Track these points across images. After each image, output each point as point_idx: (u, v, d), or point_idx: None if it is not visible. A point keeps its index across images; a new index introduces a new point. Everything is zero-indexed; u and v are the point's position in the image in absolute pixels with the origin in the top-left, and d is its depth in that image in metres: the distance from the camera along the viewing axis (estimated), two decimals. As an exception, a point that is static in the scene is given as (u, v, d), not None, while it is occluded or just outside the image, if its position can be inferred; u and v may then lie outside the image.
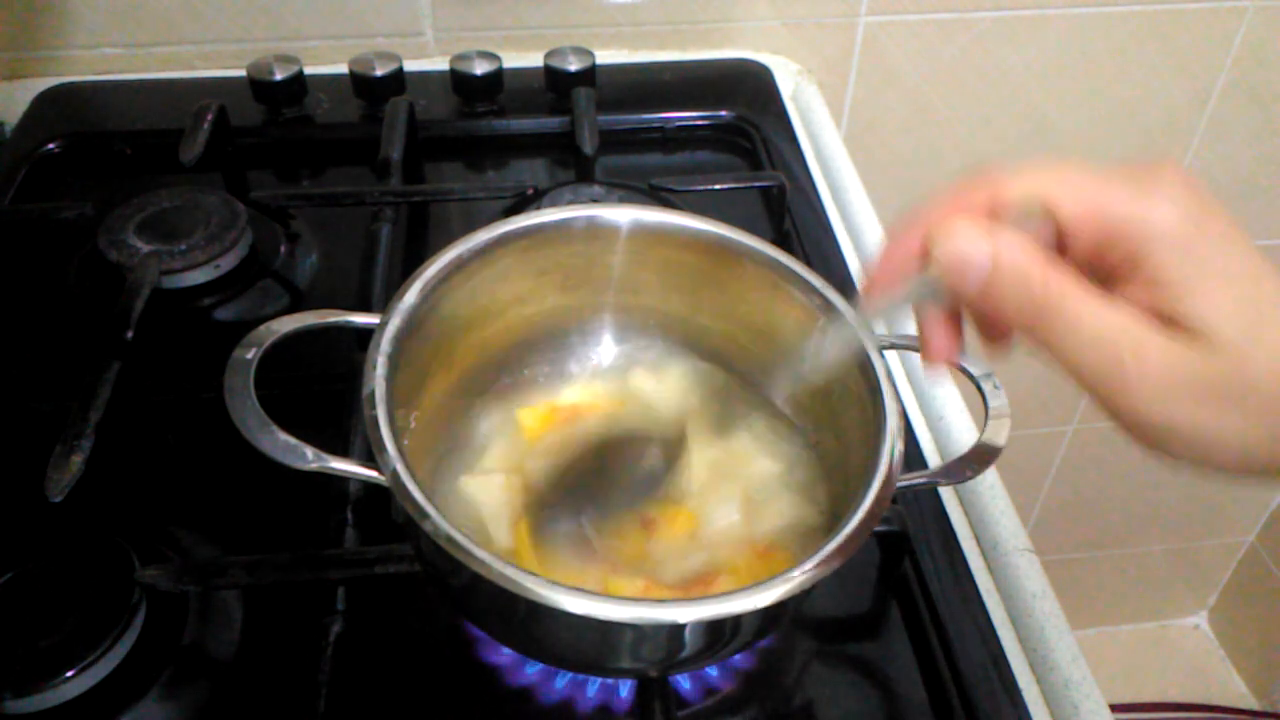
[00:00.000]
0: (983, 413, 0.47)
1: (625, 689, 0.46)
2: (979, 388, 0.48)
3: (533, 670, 0.47)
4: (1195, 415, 0.30)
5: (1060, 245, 0.33)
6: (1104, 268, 0.32)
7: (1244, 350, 0.30)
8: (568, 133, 0.77)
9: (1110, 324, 0.31)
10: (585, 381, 0.54)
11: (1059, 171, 0.32)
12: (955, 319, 0.36)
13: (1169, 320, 0.31)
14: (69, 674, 0.43)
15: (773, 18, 0.91)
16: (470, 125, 0.81)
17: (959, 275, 0.32)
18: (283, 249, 0.69)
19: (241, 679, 0.47)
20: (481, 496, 0.48)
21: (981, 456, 0.45)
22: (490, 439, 0.51)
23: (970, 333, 0.36)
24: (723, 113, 0.83)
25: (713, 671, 0.48)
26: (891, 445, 0.42)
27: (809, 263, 0.52)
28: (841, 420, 0.48)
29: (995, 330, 0.35)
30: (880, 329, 0.43)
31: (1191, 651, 1.62)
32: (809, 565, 0.38)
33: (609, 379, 0.54)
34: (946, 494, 0.58)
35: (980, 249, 0.31)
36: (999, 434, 0.46)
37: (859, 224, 0.78)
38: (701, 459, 0.50)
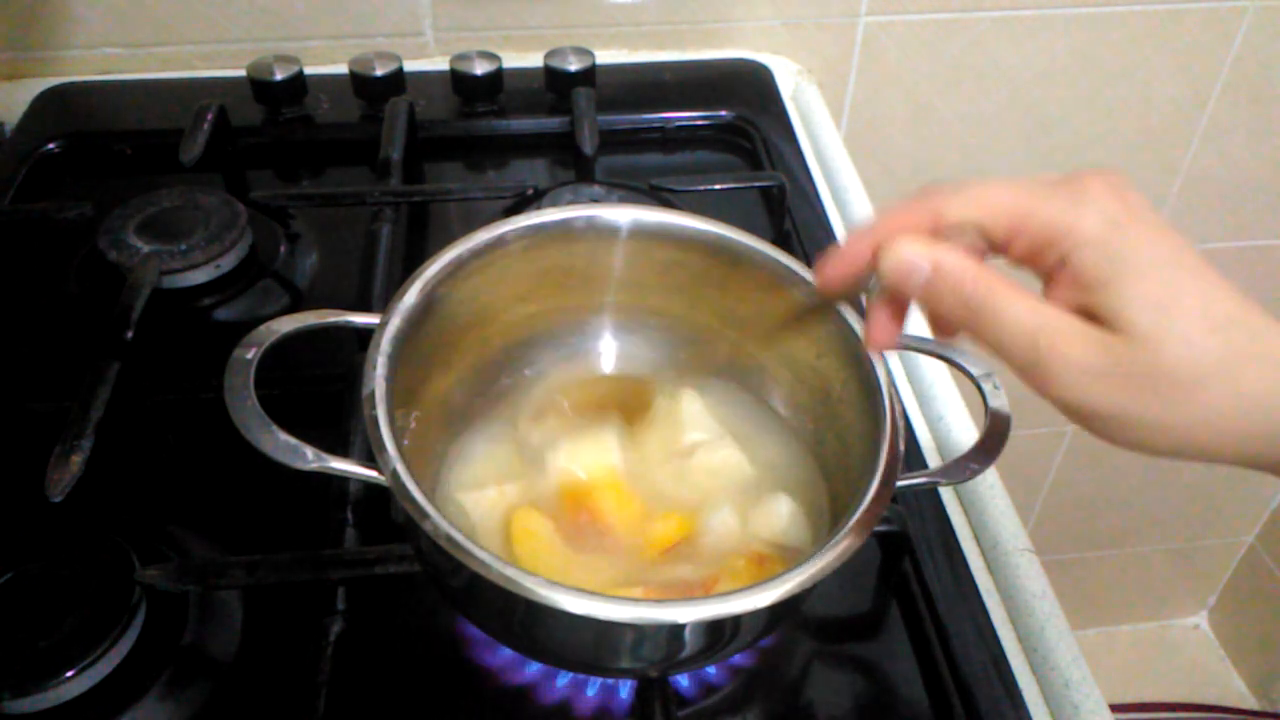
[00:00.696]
0: (983, 413, 0.47)
1: (625, 689, 0.46)
2: (979, 388, 0.48)
3: (532, 670, 0.47)
4: (1114, 400, 0.34)
5: (998, 252, 0.37)
6: (1039, 272, 0.36)
7: (1158, 340, 0.33)
8: (568, 133, 0.77)
9: (1032, 317, 0.34)
10: (584, 381, 0.54)
11: (992, 191, 0.36)
12: (896, 313, 0.41)
13: (1092, 316, 0.34)
14: (69, 674, 0.43)
15: (773, 18, 0.91)
16: (470, 125, 0.81)
17: (904, 280, 0.37)
18: (283, 249, 0.69)
19: (241, 679, 0.47)
20: (475, 510, 0.48)
21: (982, 456, 0.45)
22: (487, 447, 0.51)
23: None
24: (723, 113, 0.83)
25: (713, 671, 0.48)
26: (892, 445, 0.42)
27: (809, 263, 0.52)
28: (841, 420, 0.48)
29: (941, 324, 0.39)
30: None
31: (1191, 651, 1.62)
32: (809, 565, 0.38)
33: (609, 379, 0.54)
34: (946, 494, 0.58)
35: (921, 258, 0.36)
36: (999, 433, 0.46)
37: (859, 224, 0.78)
38: (700, 459, 0.50)
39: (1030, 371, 0.35)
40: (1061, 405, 0.35)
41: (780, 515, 0.48)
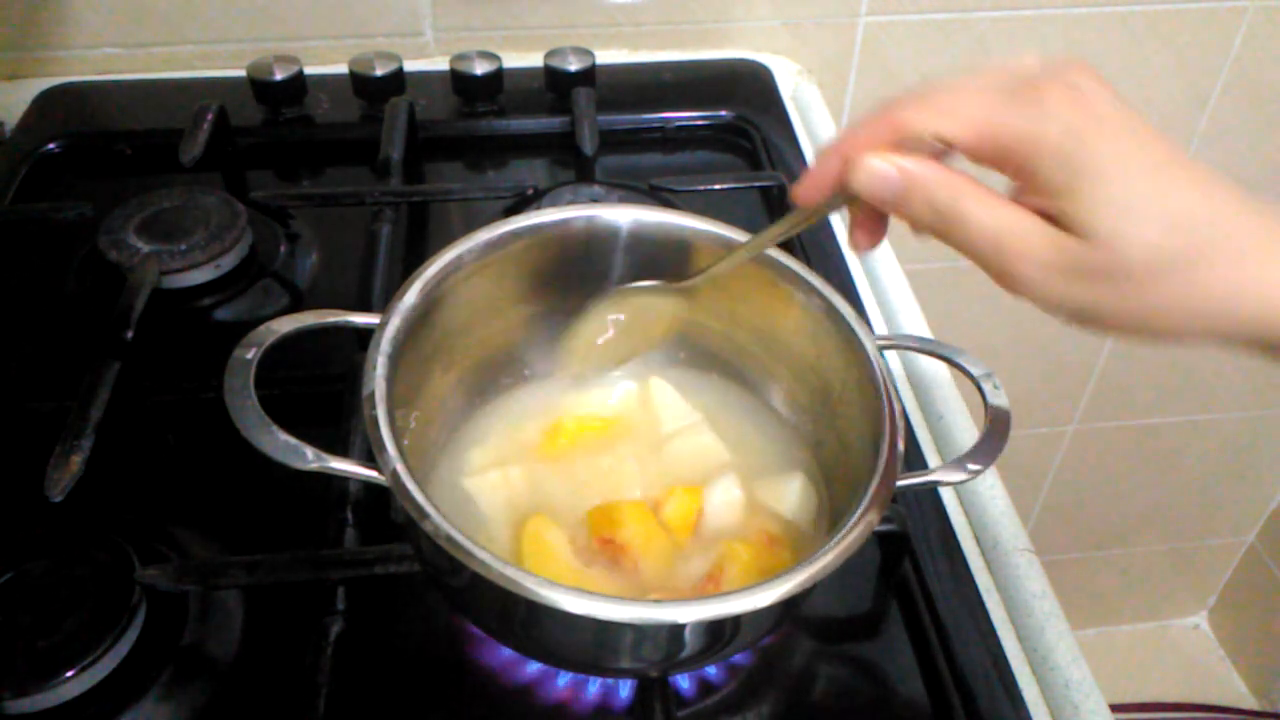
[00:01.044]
0: (983, 413, 0.47)
1: (625, 689, 0.46)
2: (979, 388, 0.48)
3: (532, 670, 0.47)
4: (1073, 292, 0.35)
5: (970, 159, 0.38)
6: (1008, 175, 0.37)
7: (1115, 242, 0.34)
8: (568, 133, 0.77)
9: (999, 218, 0.36)
10: (583, 381, 0.54)
11: (952, 100, 0.37)
12: (877, 220, 0.42)
13: (1055, 220, 0.36)
14: (69, 674, 0.43)
15: (773, 18, 0.91)
16: (470, 125, 0.81)
17: (875, 191, 0.38)
18: (283, 249, 0.69)
19: (241, 679, 0.47)
20: (480, 496, 0.48)
21: (982, 456, 0.45)
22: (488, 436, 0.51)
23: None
24: (723, 113, 0.83)
25: (713, 671, 0.48)
26: (891, 445, 0.42)
27: (809, 263, 0.52)
28: (841, 420, 0.48)
29: (914, 226, 0.39)
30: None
31: (1191, 651, 1.62)
32: (809, 565, 0.38)
33: (608, 379, 0.54)
34: (946, 494, 0.58)
35: (889, 172, 0.38)
36: (999, 433, 0.46)
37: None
38: (700, 460, 0.50)
39: (996, 271, 0.37)
40: (1027, 296, 0.37)
41: (780, 515, 0.48)
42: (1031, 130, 0.35)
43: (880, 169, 0.38)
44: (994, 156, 0.37)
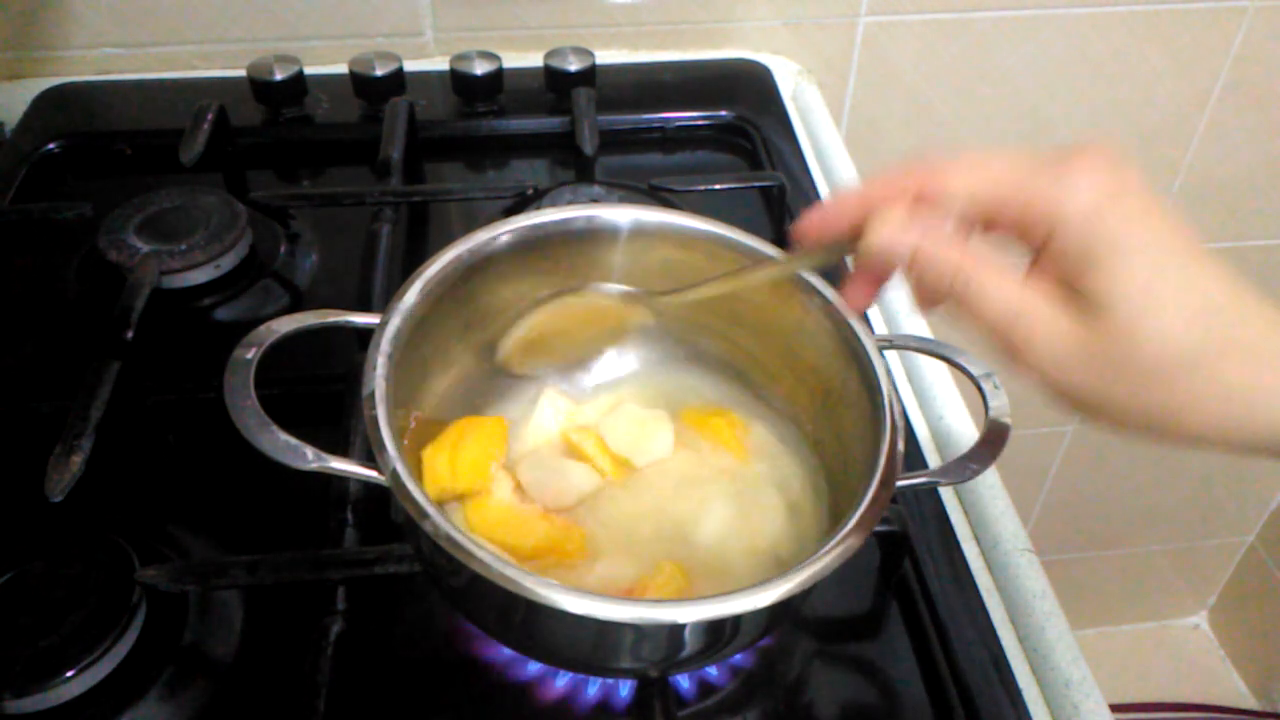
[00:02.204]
0: (983, 413, 0.47)
1: (625, 689, 0.46)
2: (979, 388, 0.48)
3: (532, 670, 0.47)
4: (1090, 384, 0.34)
5: (988, 225, 0.37)
6: (1026, 247, 0.36)
7: (1132, 325, 0.33)
8: (568, 133, 0.77)
9: (1010, 299, 0.35)
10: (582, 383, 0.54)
11: (979, 165, 0.36)
12: (874, 280, 0.41)
13: (1070, 298, 0.34)
14: (69, 674, 0.43)
15: (773, 18, 0.91)
16: (470, 125, 0.81)
17: (885, 257, 0.37)
18: (283, 249, 0.69)
19: (241, 679, 0.47)
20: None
21: (982, 456, 0.45)
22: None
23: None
24: (723, 113, 0.83)
25: (713, 671, 0.48)
26: (891, 445, 0.42)
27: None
28: (841, 420, 0.48)
29: (924, 296, 0.39)
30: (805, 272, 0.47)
31: (1191, 651, 1.62)
32: (809, 565, 0.38)
33: (607, 380, 0.54)
34: (946, 494, 0.58)
35: (904, 239, 0.37)
36: (999, 433, 0.46)
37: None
38: (700, 460, 0.50)
39: (1006, 351, 0.36)
40: (1034, 381, 0.36)
41: (780, 515, 0.48)
42: (1058, 197, 0.34)
43: (898, 223, 0.37)
44: (1015, 222, 0.36)
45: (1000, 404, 0.47)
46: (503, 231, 0.48)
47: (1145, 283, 0.33)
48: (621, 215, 0.50)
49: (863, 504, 0.40)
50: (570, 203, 0.70)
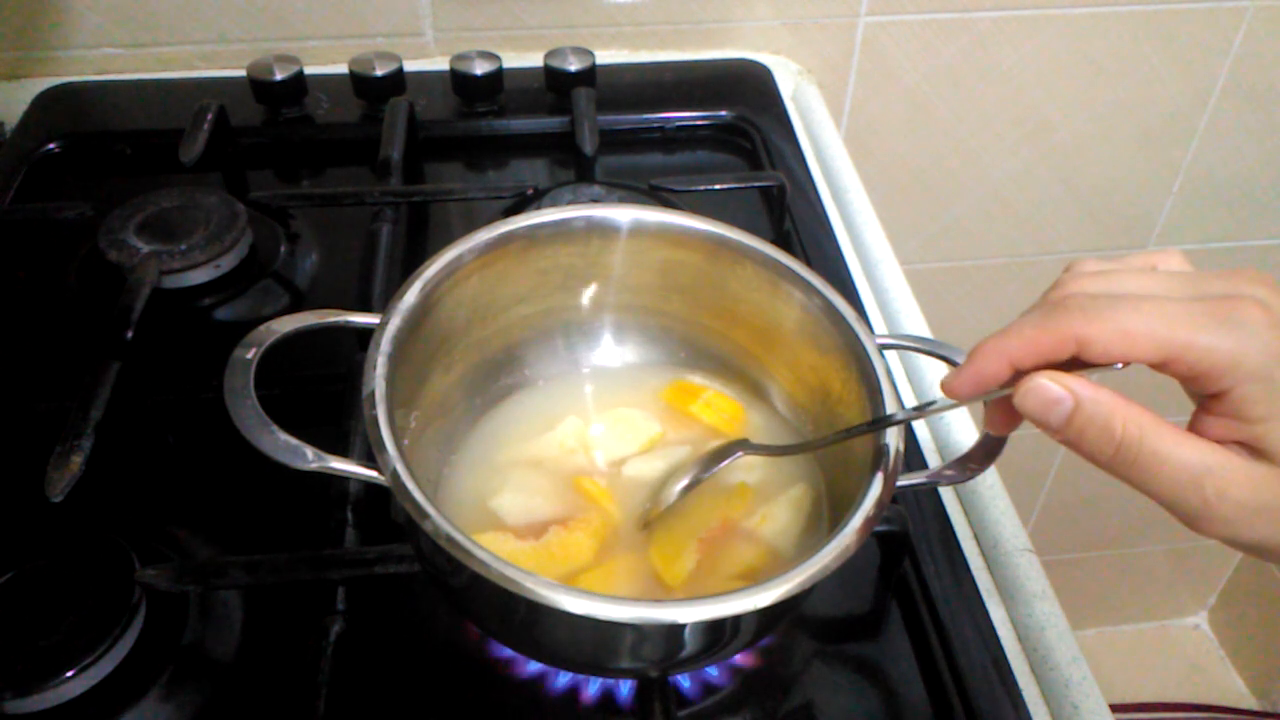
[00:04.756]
0: (983, 413, 0.47)
1: (625, 688, 0.46)
2: (979, 388, 0.48)
3: (532, 670, 0.47)
4: (1275, 531, 0.34)
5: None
6: (1193, 395, 0.36)
7: None
8: (568, 133, 0.77)
9: (1190, 458, 0.34)
10: (583, 382, 0.54)
11: (1138, 320, 0.34)
12: (1013, 411, 0.38)
13: (1253, 449, 0.34)
14: (69, 674, 0.43)
15: (773, 18, 0.91)
16: (470, 125, 0.81)
17: (1046, 419, 0.35)
18: (283, 249, 0.69)
19: (241, 679, 0.47)
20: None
21: (982, 455, 0.45)
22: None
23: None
24: (723, 113, 0.83)
25: (713, 671, 0.48)
26: (891, 445, 0.42)
27: (809, 263, 0.52)
28: (841, 420, 0.48)
29: (1085, 457, 0.37)
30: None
31: (1191, 651, 1.62)
32: (809, 565, 0.38)
33: (607, 379, 0.54)
34: (946, 494, 0.58)
35: (1063, 397, 0.35)
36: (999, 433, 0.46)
37: (859, 224, 0.78)
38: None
39: (1188, 511, 0.34)
40: (1223, 539, 0.35)
41: (780, 515, 0.48)
42: (1232, 352, 0.33)
43: (1053, 393, 0.35)
44: (1183, 375, 0.34)
45: (1000, 404, 0.47)
46: (503, 231, 0.48)
47: None
48: (621, 215, 0.50)
49: (863, 504, 0.40)
50: (570, 203, 0.70)
